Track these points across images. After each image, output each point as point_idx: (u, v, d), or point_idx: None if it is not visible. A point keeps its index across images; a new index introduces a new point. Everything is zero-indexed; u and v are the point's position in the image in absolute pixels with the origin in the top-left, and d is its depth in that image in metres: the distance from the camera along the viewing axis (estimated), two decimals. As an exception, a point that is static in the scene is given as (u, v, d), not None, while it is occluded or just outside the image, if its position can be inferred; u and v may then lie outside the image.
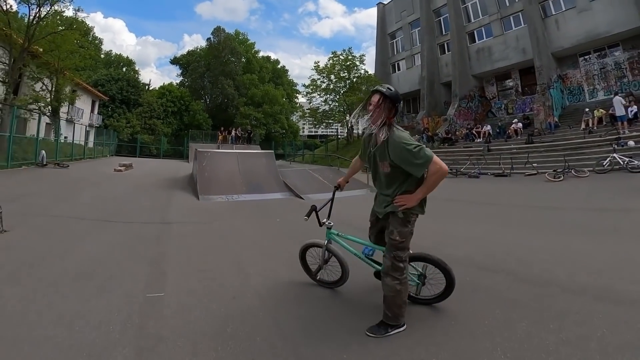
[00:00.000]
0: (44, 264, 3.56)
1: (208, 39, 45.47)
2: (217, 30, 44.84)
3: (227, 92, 42.53)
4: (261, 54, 52.69)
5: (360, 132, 32.52)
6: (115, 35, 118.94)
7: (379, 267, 2.54)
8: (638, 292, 2.77)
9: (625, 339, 2.11)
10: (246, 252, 4.37)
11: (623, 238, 4.49)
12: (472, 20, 25.22)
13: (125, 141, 33.33)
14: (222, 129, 30.58)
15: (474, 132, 21.15)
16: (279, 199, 9.54)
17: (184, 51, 54.49)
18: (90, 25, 39.61)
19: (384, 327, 2.26)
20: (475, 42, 24.99)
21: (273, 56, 59.45)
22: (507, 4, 23.06)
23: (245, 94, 44.30)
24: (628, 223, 5.36)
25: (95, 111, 31.66)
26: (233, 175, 10.73)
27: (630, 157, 10.49)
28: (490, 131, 20.29)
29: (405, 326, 2.31)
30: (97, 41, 44.65)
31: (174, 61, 49.06)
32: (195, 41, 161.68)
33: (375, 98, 2.23)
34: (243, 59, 47.12)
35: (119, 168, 14.76)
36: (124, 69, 45.60)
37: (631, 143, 11.93)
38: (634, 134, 12.68)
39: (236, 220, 6.54)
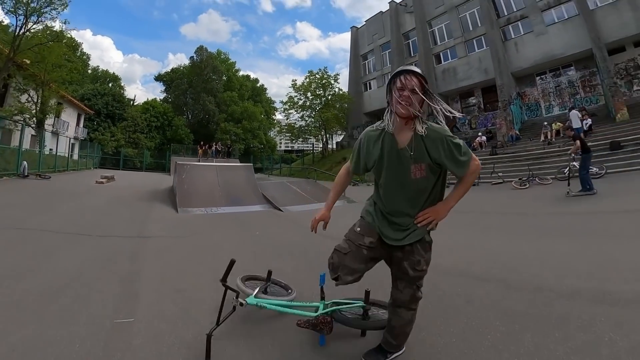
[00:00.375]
0: (4, 284, 3.05)
1: (191, 58, 45.58)
2: (200, 50, 45.00)
3: (208, 109, 42.60)
4: (241, 72, 53.65)
5: (344, 141, 32.67)
6: (103, 52, 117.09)
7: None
8: (630, 291, 2.64)
9: (634, 341, 1.95)
10: (224, 267, 3.96)
11: (599, 239, 4.44)
12: (439, 43, 26.30)
13: (109, 154, 32.88)
14: (202, 143, 30.36)
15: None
16: (258, 211, 9.21)
17: (168, 69, 54.85)
18: (79, 41, 39.69)
19: (383, 353, 1.89)
20: (441, 62, 25.93)
21: (252, 75, 60.15)
22: (471, 29, 24.11)
23: (225, 110, 44.50)
24: (599, 224, 5.38)
25: (81, 124, 31.12)
26: (212, 187, 10.35)
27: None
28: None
29: (404, 349, 1.96)
30: (85, 57, 44.35)
31: (158, 78, 48.95)
32: (179, 59, 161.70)
33: (413, 80, 1.56)
34: (224, 77, 47.55)
35: (101, 180, 14.21)
36: (110, 85, 45.25)
37: (588, 152, 12.33)
38: (590, 144, 13.13)
39: (215, 234, 6.14)
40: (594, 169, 10.47)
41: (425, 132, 1.60)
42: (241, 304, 2.04)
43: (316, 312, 2.10)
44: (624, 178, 9.74)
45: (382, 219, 1.78)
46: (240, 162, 22.47)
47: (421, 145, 1.61)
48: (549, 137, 16.43)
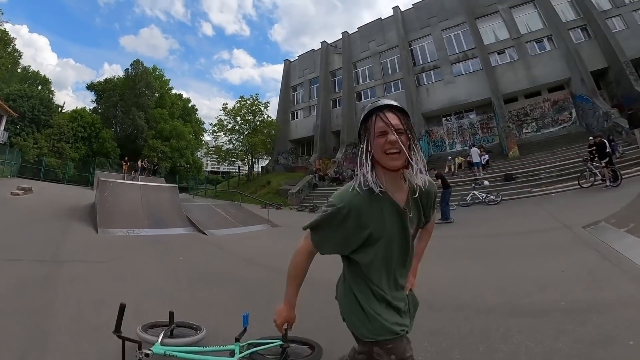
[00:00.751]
0: None
1: (126, 70, 42.48)
2: (136, 63, 42.37)
3: (138, 124, 39.65)
4: (174, 91, 51.01)
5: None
6: (37, 52, 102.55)
7: None
8: (536, 302, 2.85)
9: (547, 345, 2.12)
10: (148, 300, 3.45)
11: (502, 259, 4.76)
12: (361, 83, 28.46)
13: (30, 162, 27.84)
14: (127, 158, 27.76)
15: (357, 173, 23.01)
16: (182, 234, 8.58)
17: (102, 78, 50.13)
18: (12, 36, 34.51)
19: None
20: (362, 100, 27.89)
21: (185, 94, 57.32)
22: (390, 73, 26.60)
23: (155, 127, 41.89)
24: (500, 245, 5.79)
25: (2, 126, 26.08)
26: (136, 207, 9.46)
27: (487, 194, 12.19)
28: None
29: None
30: (16, 54, 38.17)
31: (91, 87, 44.29)
32: (114, 70, 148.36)
33: (395, 119, 1.15)
34: (156, 94, 45.00)
35: (17, 192, 12.09)
36: (40, 87, 39.68)
37: (486, 183, 14.22)
38: (487, 175, 15.18)
39: (137, 259, 5.52)
40: (492, 197, 11.80)
41: (426, 185, 1.24)
42: (147, 355, 1.71)
43: (232, 356, 1.89)
44: (514, 204, 11.02)
45: (394, 312, 1.26)
46: (166, 181, 21.56)
47: (417, 201, 1.27)
48: (452, 169, 18.44)
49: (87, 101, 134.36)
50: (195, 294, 3.08)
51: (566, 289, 3.15)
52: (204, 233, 8.75)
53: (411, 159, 1.14)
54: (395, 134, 1.11)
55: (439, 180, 9.49)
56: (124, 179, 16.58)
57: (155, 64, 55.36)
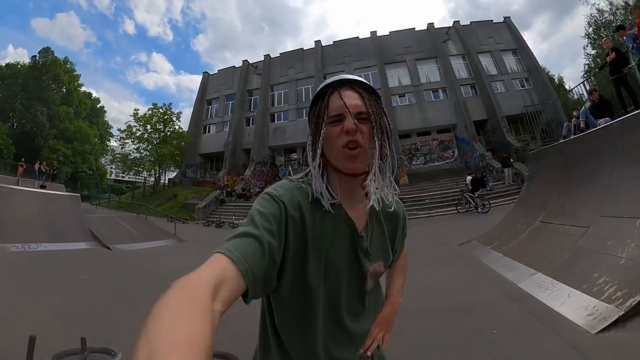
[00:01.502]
0: None
1: (33, 57, 35.63)
2: (46, 52, 35.85)
3: (39, 120, 33.32)
4: (84, 88, 44.31)
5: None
6: None
7: None
8: (424, 307, 3.24)
9: (434, 339, 2.58)
10: (53, 325, 2.93)
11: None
12: (276, 105, 29.03)
13: None
14: (24, 159, 22.58)
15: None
16: (85, 249, 7.82)
17: (3, 62, 40.00)
18: None
19: None
20: (274, 121, 28.37)
21: (95, 94, 49.49)
22: (303, 100, 27.70)
23: (58, 126, 35.60)
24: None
25: None
26: (32, 219, 8.21)
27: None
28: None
29: None
30: None
31: None
32: (19, 55, 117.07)
33: (356, 99, 0.76)
34: (64, 89, 38.45)
35: None
36: None
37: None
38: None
39: (35, 278, 4.79)
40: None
41: (391, 206, 0.84)
42: None
43: None
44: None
45: None
46: (66, 187, 19.44)
47: (382, 227, 0.86)
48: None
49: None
50: (105, 315, 2.70)
51: (447, 294, 3.71)
52: (108, 248, 8.12)
53: (373, 160, 0.73)
54: (355, 120, 0.71)
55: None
56: (18, 184, 14.04)
57: (68, 56, 47.30)
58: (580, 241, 3.65)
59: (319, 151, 0.75)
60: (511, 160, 15.63)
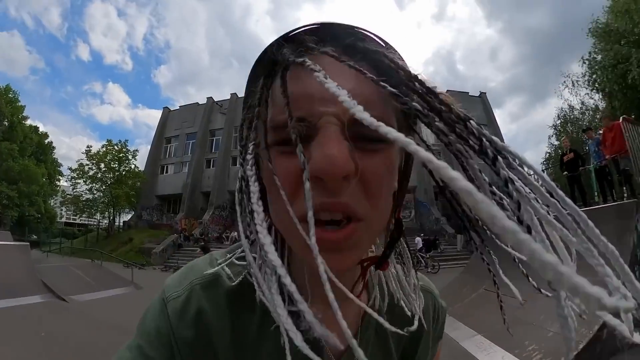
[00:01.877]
0: None
1: None
2: None
3: None
4: (29, 121, 40.33)
5: None
6: None
7: None
8: None
9: None
10: None
11: None
12: (239, 148, 28.63)
13: None
14: None
15: (224, 236, 23.09)
16: (40, 302, 7.60)
17: None
18: None
19: None
20: (236, 165, 27.86)
21: (42, 128, 45.45)
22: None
23: (0, 165, 32.29)
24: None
25: None
26: None
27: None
28: (237, 236, 22.44)
29: None
30: None
31: None
32: None
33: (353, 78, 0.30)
34: (5, 122, 35.06)
35: None
36: None
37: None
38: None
39: None
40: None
41: (416, 305, 0.47)
42: None
43: None
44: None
45: None
46: (13, 234, 17.89)
47: (382, 342, 0.50)
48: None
49: None
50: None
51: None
52: (64, 300, 7.97)
53: (387, 239, 0.45)
54: (349, 141, 0.31)
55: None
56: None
57: (10, 83, 43.94)
58: (517, 312, 4.15)
59: (259, 206, 0.32)
60: (465, 228, 17.38)
